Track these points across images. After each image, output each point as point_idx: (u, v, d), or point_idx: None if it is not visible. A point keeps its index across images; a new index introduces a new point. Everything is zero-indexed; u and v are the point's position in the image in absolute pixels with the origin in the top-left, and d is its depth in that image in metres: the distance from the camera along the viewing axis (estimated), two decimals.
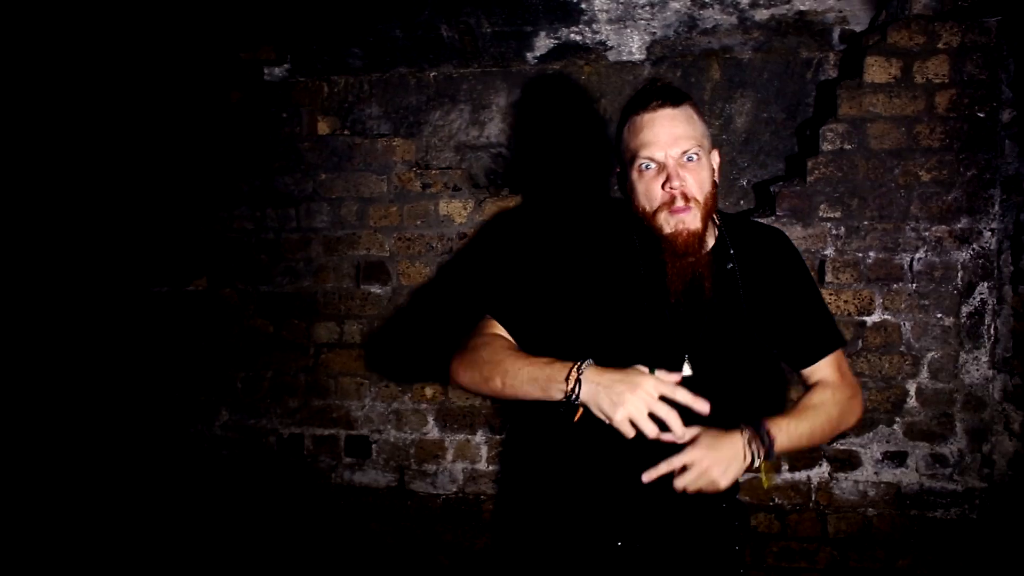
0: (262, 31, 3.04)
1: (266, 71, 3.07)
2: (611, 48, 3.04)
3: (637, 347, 1.59)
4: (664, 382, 1.42)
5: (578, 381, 1.44)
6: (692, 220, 1.54)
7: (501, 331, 1.67)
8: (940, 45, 2.64)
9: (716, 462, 1.48)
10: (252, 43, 3.05)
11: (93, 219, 3.15)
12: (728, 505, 1.75)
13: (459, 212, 2.91)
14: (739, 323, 1.64)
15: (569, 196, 3.03)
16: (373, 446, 3.00)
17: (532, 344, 1.64)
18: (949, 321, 2.67)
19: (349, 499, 3.01)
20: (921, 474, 2.70)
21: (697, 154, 1.56)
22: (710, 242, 1.67)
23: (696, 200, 1.55)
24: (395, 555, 2.98)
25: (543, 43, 3.04)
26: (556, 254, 1.69)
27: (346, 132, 3.05)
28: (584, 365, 1.46)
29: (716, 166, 1.65)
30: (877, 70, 2.66)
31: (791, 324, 1.72)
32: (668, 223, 1.55)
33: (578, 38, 3.00)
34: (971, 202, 2.65)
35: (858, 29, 2.85)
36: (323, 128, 3.02)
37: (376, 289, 2.97)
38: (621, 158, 1.64)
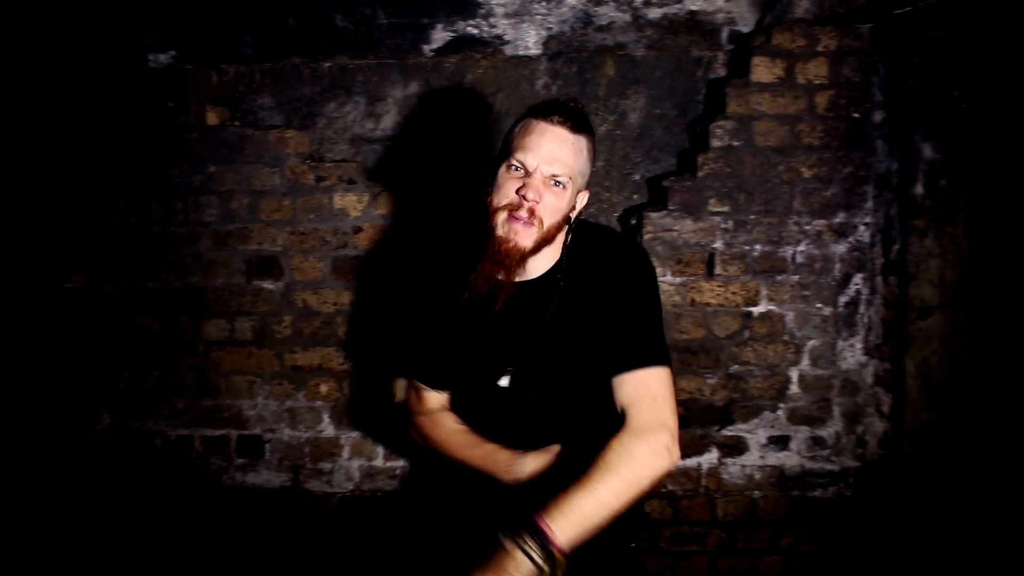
0: (147, 16, 2.91)
1: (151, 58, 2.94)
2: (508, 42, 3.05)
3: (466, 359, 1.67)
4: None
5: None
6: (525, 237, 1.53)
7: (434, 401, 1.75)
8: (820, 48, 2.77)
9: None
10: (136, 28, 2.91)
11: None
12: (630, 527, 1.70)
13: (354, 206, 2.87)
14: (557, 340, 1.60)
15: (462, 197, 3.03)
16: (266, 446, 2.92)
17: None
18: (828, 311, 2.82)
19: (242, 501, 2.92)
20: (802, 456, 2.84)
21: (565, 184, 1.54)
22: (542, 266, 1.64)
23: (540, 221, 1.53)
24: (291, 556, 2.92)
25: (440, 36, 3.02)
26: (425, 297, 1.75)
27: (236, 123, 2.95)
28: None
29: (580, 205, 1.64)
30: (763, 70, 2.76)
31: (609, 338, 1.58)
32: (502, 226, 1.54)
33: (475, 31, 3.00)
34: (848, 198, 2.80)
35: (745, 30, 2.96)
36: (212, 118, 2.91)
37: (268, 285, 2.89)
38: (503, 148, 1.62)
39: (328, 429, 2.91)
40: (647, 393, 1.53)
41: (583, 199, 1.64)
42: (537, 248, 1.55)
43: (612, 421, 1.54)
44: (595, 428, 1.57)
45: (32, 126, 2.93)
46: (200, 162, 2.88)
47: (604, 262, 1.62)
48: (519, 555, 1.35)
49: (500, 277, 1.56)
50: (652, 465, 1.49)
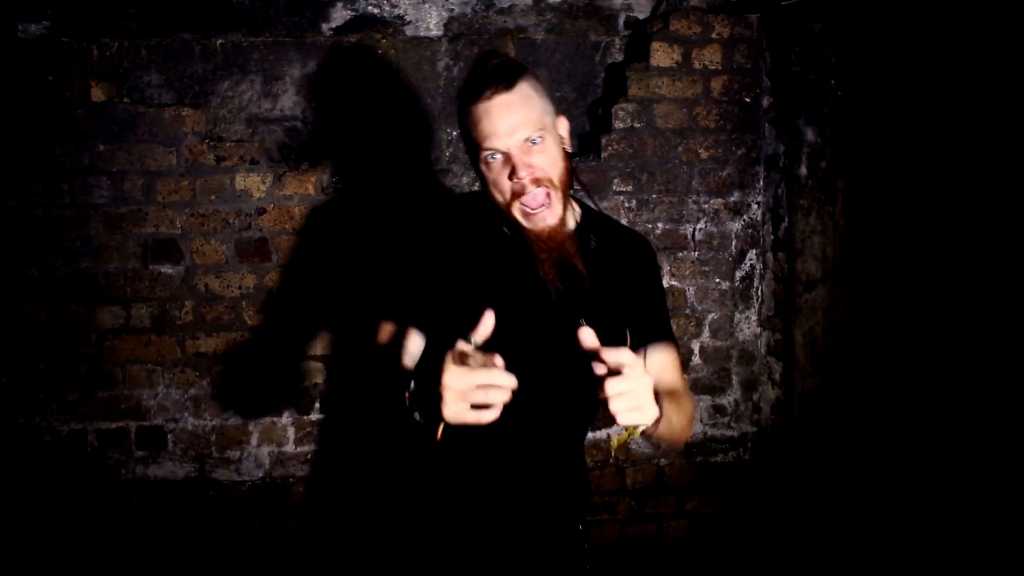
0: None
1: (20, 27, 2.74)
2: (409, 23, 3.03)
3: (531, 336, 1.53)
4: (463, 368, 1.21)
5: (412, 397, 1.31)
6: (550, 214, 1.49)
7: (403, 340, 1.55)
8: (714, 35, 2.90)
9: (646, 391, 1.28)
10: None
11: None
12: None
13: (257, 187, 2.78)
14: (609, 300, 1.60)
15: (373, 177, 2.99)
16: (169, 436, 2.79)
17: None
18: (726, 285, 2.97)
19: (143, 495, 2.78)
20: (705, 424, 2.99)
21: (540, 136, 1.46)
22: (571, 222, 1.59)
23: (550, 181, 1.47)
24: (199, 548, 2.81)
25: (340, 14, 2.97)
26: (435, 257, 1.60)
27: (126, 100, 2.80)
28: (412, 385, 1.33)
29: (566, 133, 1.57)
30: (662, 55, 2.87)
31: (641, 309, 1.64)
32: (526, 219, 1.49)
33: (375, 11, 2.96)
34: (741, 178, 2.95)
35: (641, 17, 3.06)
36: (98, 95, 2.74)
37: (167, 269, 2.76)
38: (470, 150, 1.54)
39: (235, 416, 2.81)
40: (678, 365, 1.66)
41: (563, 126, 1.58)
42: (564, 206, 1.51)
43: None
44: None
45: None
46: (88, 140, 2.71)
47: (628, 238, 1.67)
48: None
49: (557, 246, 1.50)
50: (691, 427, 1.63)
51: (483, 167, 1.50)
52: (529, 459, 1.57)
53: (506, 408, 1.22)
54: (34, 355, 2.73)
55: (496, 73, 1.46)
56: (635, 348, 1.58)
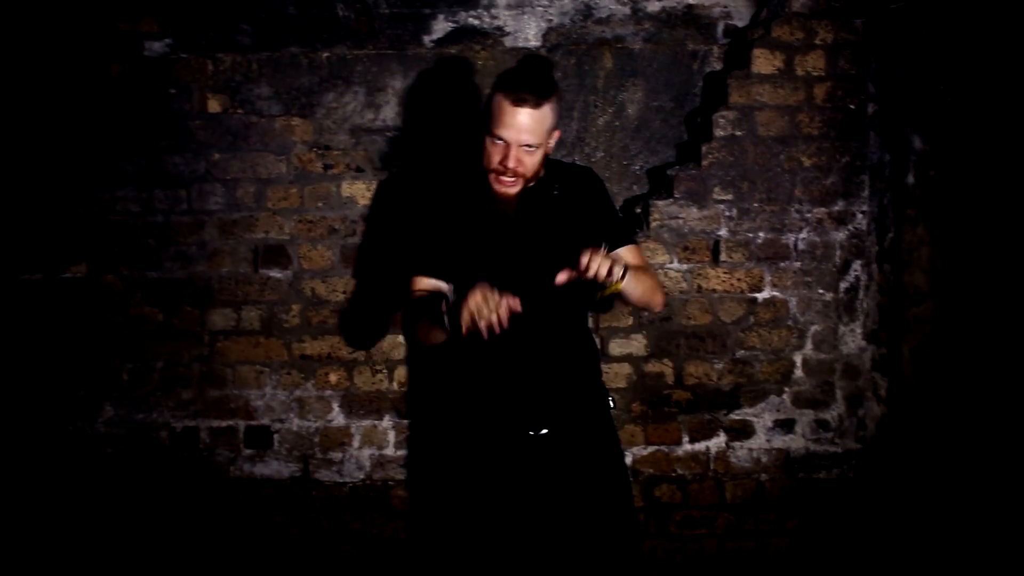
0: (144, 2, 2.86)
1: (146, 45, 2.89)
2: (508, 34, 3.08)
3: (485, 262, 2.04)
4: (486, 293, 1.78)
5: (447, 312, 1.87)
6: (513, 189, 2.01)
7: (425, 284, 2.09)
8: (817, 41, 2.85)
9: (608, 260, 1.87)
10: (133, 14, 2.86)
11: None
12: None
13: (362, 193, 2.86)
14: (558, 230, 2.09)
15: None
16: (275, 436, 2.89)
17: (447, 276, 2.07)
18: (829, 296, 2.90)
19: (250, 492, 2.88)
20: (807, 439, 2.91)
21: (537, 145, 1.96)
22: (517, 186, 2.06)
23: (524, 176, 1.99)
24: (301, 547, 2.89)
25: (441, 26, 3.04)
26: (436, 209, 2.15)
27: (239, 111, 2.92)
28: (449, 299, 1.90)
29: (553, 143, 2.05)
30: (763, 62, 2.83)
31: (599, 226, 2.12)
32: (495, 185, 2.01)
33: (476, 22, 3.02)
34: (846, 186, 2.88)
35: (740, 24, 3.03)
36: (214, 106, 2.87)
37: (276, 273, 2.87)
38: (485, 117, 2.01)
39: (338, 418, 2.89)
40: (642, 259, 2.22)
41: (555, 138, 2.05)
42: (523, 187, 2.01)
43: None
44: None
45: (28, 113, 2.86)
46: (204, 149, 2.84)
47: (581, 178, 2.20)
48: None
49: (502, 208, 2.05)
50: (661, 296, 2.18)
51: (488, 140, 1.98)
52: (530, 341, 2.05)
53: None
54: (152, 354, 2.87)
55: (534, 86, 1.93)
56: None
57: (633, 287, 2.00)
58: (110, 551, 2.88)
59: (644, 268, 2.18)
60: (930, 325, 2.97)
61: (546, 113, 1.95)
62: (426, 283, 2.09)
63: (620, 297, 2.03)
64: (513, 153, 1.94)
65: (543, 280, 1.99)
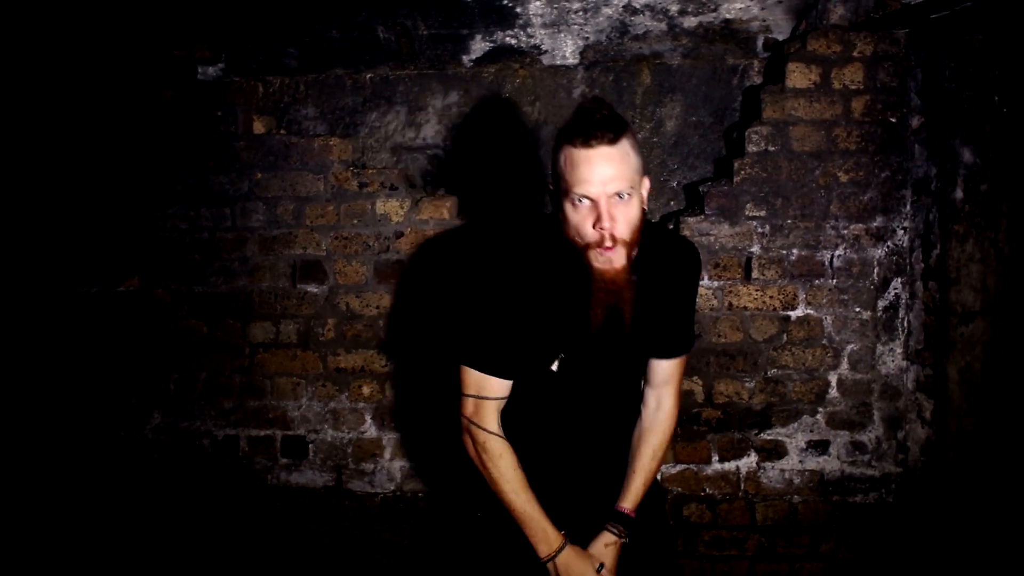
0: (197, 29, 3.01)
1: (200, 70, 3.04)
2: (545, 52, 3.11)
3: (577, 364, 1.81)
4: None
5: (551, 560, 1.78)
6: (618, 258, 1.65)
7: (493, 388, 1.82)
8: (855, 54, 2.78)
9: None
10: (187, 41, 3.01)
11: (15, 218, 3.06)
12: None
13: (396, 211, 2.93)
14: (643, 332, 1.83)
15: (503, 205, 3.08)
16: (310, 446, 2.98)
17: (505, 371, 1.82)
18: (867, 315, 2.81)
19: (286, 500, 2.99)
20: (842, 461, 2.83)
21: (629, 193, 1.62)
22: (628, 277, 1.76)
23: (624, 240, 1.63)
24: (333, 555, 2.97)
25: (479, 46, 3.09)
26: (505, 296, 1.78)
27: (282, 132, 3.04)
28: (560, 554, 1.79)
29: (646, 193, 1.73)
30: (798, 76, 2.78)
31: (668, 326, 1.90)
32: (597, 259, 1.65)
33: (513, 42, 3.06)
34: (885, 202, 2.80)
35: (780, 38, 2.98)
36: (258, 128, 3.00)
37: (313, 288, 2.96)
38: (556, 183, 1.70)
39: (370, 430, 2.96)
40: (678, 376, 1.97)
41: (646, 185, 1.73)
42: (629, 258, 1.68)
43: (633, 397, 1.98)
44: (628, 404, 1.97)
45: (87, 135, 3.04)
46: (247, 169, 2.97)
47: (671, 260, 1.87)
48: (607, 549, 1.85)
49: (615, 293, 1.69)
50: (670, 434, 1.98)
51: (568, 207, 1.65)
52: (603, 432, 1.92)
53: (560, 401, 1.82)
54: (197, 365, 3.01)
55: (604, 124, 1.60)
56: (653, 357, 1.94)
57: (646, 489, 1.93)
58: (154, 552, 3.02)
59: (673, 397, 1.97)
60: (980, 345, 2.86)
61: (626, 150, 1.62)
62: (495, 386, 1.81)
63: None
64: (604, 210, 1.59)
65: (631, 372, 1.90)
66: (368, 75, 3.21)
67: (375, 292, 2.95)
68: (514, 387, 1.84)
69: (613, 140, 1.59)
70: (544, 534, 1.78)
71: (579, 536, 1.86)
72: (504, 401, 1.84)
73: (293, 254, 2.96)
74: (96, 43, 3.05)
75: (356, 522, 2.97)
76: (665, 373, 1.95)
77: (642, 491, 1.91)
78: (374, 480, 2.97)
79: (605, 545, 1.85)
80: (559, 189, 1.68)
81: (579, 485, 1.91)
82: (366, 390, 2.96)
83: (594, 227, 1.61)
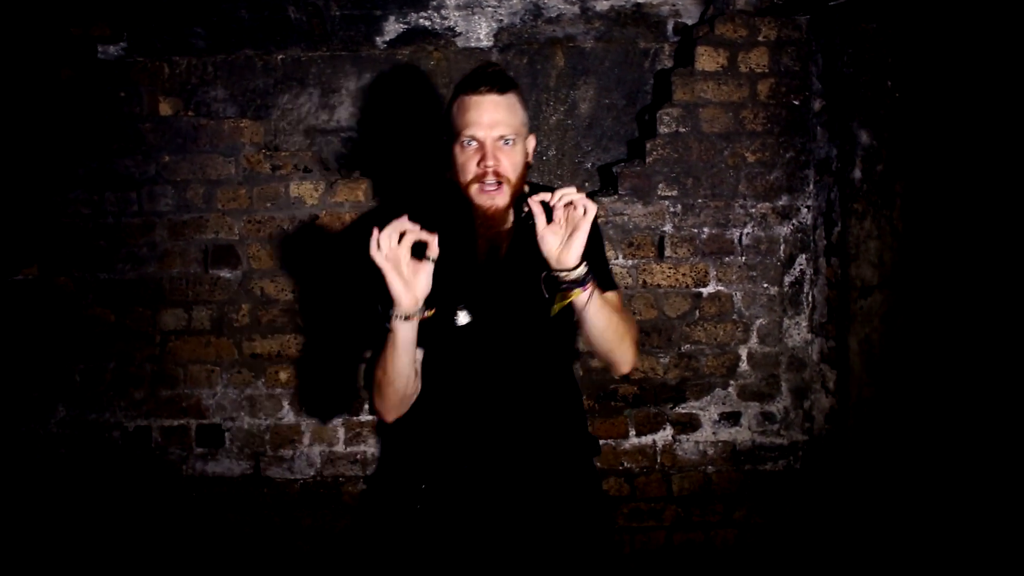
0: (96, 6, 2.89)
1: (100, 49, 2.93)
2: (460, 34, 3.11)
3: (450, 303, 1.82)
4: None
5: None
6: (501, 198, 1.77)
7: None
8: (760, 38, 2.88)
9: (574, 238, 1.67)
10: (85, 18, 2.88)
11: None
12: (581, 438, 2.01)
13: (310, 194, 2.89)
14: (527, 279, 1.82)
15: (418, 185, 3.07)
16: (226, 434, 2.92)
17: None
18: (774, 290, 2.93)
19: (202, 490, 2.92)
20: (753, 431, 2.95)
21: (513, 139, 1.76)
22: (510, 216, 1.85)
23: (507, 179, 1.76)
24: (253, 544, 2.92)
25: (393, 28, 3.06)
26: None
27: (190, 114, 2.95)
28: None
29: (531, 150, 1.85)
30: (707, 59, 2.87)
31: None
32: (479, 196, 1.76)
33: (427, 23, 3.05)
34: (790, 181, 2.91)
35: (689, 22, 3.06)
36: (165, 109, 2.90)
37: (226, 273, 2.90)
38: (448, 131, 1.82)
39: (288, 416, 2.92)
40: (619, 304, 1.94)
41: (532, 143, 1.87)
42: (511, 200, 1.78)
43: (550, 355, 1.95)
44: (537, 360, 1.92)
45: None
46: (154, 152, 2.87)
47: None
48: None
49: (494, 231, 1.79)
50: (632, 345, 1.87)
51: (457, 149, 1.77)
52: (502, 393, 1.86)
53: (467, 358, 1.81)
54: (104, 354, 2.90)
55: (494, 77, 1.76)
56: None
57: (596, 314, 1.74)
58: (63, 550, 2.91)
59: (620, 314, 1.90)
60: (878, 318, 3.01)
61: (513, 102, 1.76)
62: None
63: (580, 324, 1.79)
64: (490, 150, 1.72)
65: (529, 322, 1.84)
66: (279, 56, 3.14)
67: (290, 277, 2.90)
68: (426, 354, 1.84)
69: (501, 91, 1.74)
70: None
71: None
72: None
73: (205, 239, 2.89)
74: None
75: (276, 509, 2.92)
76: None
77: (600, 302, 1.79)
78: (293, 466, 2.93)
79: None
80: (450, 136, 1.80)
81: (487, 455, 1.87)
82: (283, 375, 2.92)
83: (478, 164, 1.73)
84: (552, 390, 1.94)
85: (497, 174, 1.73)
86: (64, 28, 2.89)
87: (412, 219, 1.66)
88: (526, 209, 1.69)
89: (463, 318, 1.82)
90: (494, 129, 1.73)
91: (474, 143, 1.74)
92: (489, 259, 1.82)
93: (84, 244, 2.88)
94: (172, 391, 2.91)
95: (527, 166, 1.82)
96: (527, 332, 1.88)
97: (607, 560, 1.97)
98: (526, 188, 1.86)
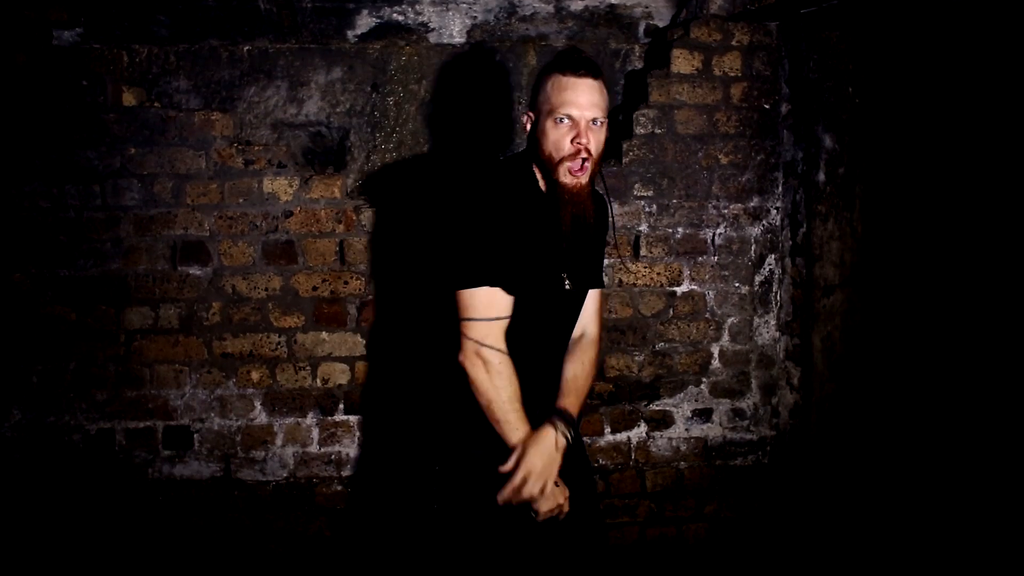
0: None
1: (55, 34, 2.80)
2: (433, 30, 3.08)
3: (543, 276, 1.95)
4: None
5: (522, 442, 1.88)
6: (585, 176, 1.89)
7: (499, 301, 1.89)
8: (734, 43, 2.94)
9: (539, 475, 1.87)
10: (40, 1, 2.76)
11: None
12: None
13: (284, 190, 2.83)
14: (594, 252, 2.10)
15: (401, 183, 3.04)
16: (195, 436, 2.83)
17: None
18: (745, 289, 3.00)
19: (170, 494, 2.82)
20: (724, 427, 3.01)
21: (602, 122, 1.88)
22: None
23: (592, 158, 1.87)
24: (223, 548, 2.84)
25: (365, 21, 3.02)
26: (497, 216, 1.88)
27: (156, 104, 2.85)
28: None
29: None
30: (682, 62, 2.91)
31: (596, 259, 2.14)
32: (566, 175, 1.87)
33: (400, 18, 3.01)
34: (761, 183, 2.99)
35: (661, 25, 3.10)
36: (129, 99, 2.79)
37: (195, 271, 2.81)
38: (537, 108, 1.92)
39: (260, 417, 2.85)
40: (599, 308, 2.16)
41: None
42: (592, 178, 1.92)
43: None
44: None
45: None
46: (119, 144, 2.76)
47: (599, 201, 2.10)
48: (558, 436, 1.90)
49: (580, 205, 1.90)
50: (593, 374, 2.13)
51: (549, 125, 1.86)
52: (544, 360, 2.02)
53: (557, 319, 2.00)
54: (64, 355, 2.78)
55: (590, 63, 1.88)
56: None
57: (581, 399, 2.06)
58: (23, 557, 2.78)
59: (596, 328, 2.14)
60: (840, 316, 3.11)
61: (603, 88, 1.88)
62: (504, 304, 1.89)
63: None
64: (583, 129, 1.83)
65: (590, 285, 2.08)
66: (246, 47, 3.06)
67: (263, 274, 2.83)
68: (524, 311, 1.93)
69: (595, 76, 1.86)
70: (516, 427, 1.88)
71: None
72: (506, 320, 1.90)
73: (173, 235, 2.79)
74: None
75: (247, 512, 2.85)
76: (592, 304, 2.12)
77: (577, 400, 2.03)
78: (265, 468, 2.87)
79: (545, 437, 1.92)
80: (540, 113, 1.90)
81: (539, 405, 1.98)
82: (255, 375, 2.84)
83: (571, 142, 1.83)
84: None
85: (588, 151, 1.84)
86: (18, 11, 2.75)
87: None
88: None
89: (567, 283, 1.98)
90: (589, 110, 1.83)
91: (567, 121, 1.84)
92: (575, 228, 1.93)
93: (42, 239, 2.75)
94: (137, 392, 2.80)
95: (605, 145, 1.94)
96: (585, 294, 2.09)
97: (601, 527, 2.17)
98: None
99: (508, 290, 1.88)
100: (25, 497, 2.78)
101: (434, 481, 2.01)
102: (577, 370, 2.06)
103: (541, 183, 1.97)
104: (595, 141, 1.86)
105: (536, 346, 1.99)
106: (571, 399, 2.02)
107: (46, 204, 2.74)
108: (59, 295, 2.76)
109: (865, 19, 3.03)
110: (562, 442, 1.91)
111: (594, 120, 1.86)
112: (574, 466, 2.02)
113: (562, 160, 1.86)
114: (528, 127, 1.97)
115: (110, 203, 2.76)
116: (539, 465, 1.85)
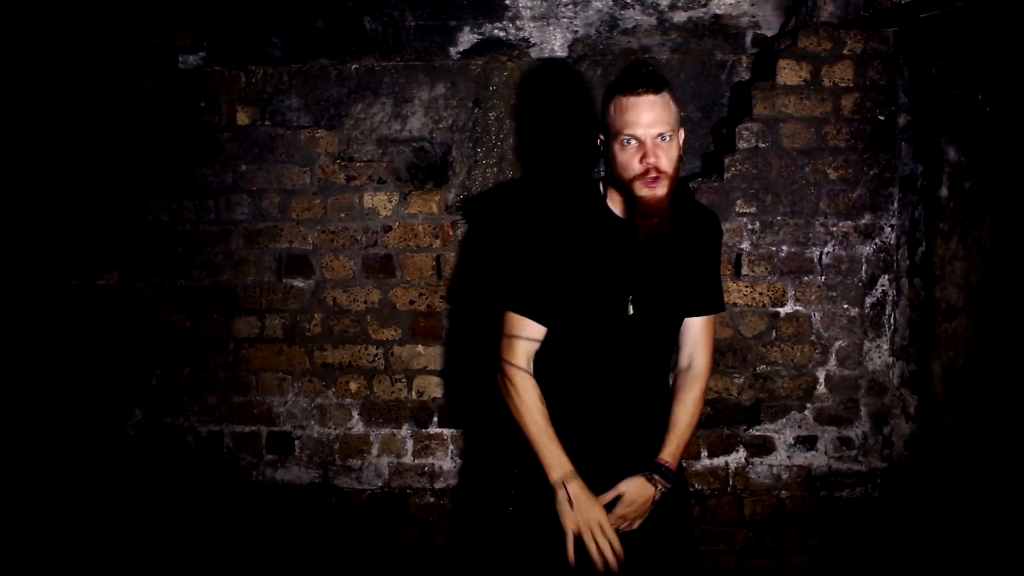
0: (178, 16, 2.95)
1: (181, 59, 2.98)
2: (534, 45, 3.08)
3: (598, 303, 1.95)
4: (603, 525, 1.87)
5: (562, 485, 1.88)
6: (661, 188, 1.85)
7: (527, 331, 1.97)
8: (845, 51, 2.79)
9: (638, 515, 1.95)
10: (167, 29, 2.94)
11: None
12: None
13: (384, 205, 2.90)
14: (673, 273, 2.01)
15: (498, 199, 3.06)
16: (296, 442, 2.94)
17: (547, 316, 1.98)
18: (855, 312, 2.84)
19: (271, 497, 2.95)
20: (829, 456, 2.86)
21: (670, 136, 1.85)
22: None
23: (665, 173, 1.84)
24: (319, 553, 2.94)
25: (467, 38, 3.06)
26: (540, 246, 1.96)
27: (267, 123, 2.99)
28: (572, 480, 1.89)
29: (681, 142, 1.94)
30: (789, 73, 2.79)
31: (697, 280, 2.06)
32: (641, 189, 1.85)
33: (502, 34, 3.03)
34: (873, 199, 2.82)
35: (769, 34, 2.98)
36: (242, 118, 2.94)
37: (299, 283, 2.92)
38: (606, 131, 1.92)
39: (357, 426, 2.93)
40: (708, 335, 2.10)
41: (682, 135, 1.95)
42: (669, 191, 1.88)
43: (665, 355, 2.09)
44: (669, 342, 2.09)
45: (66, 125, 2.96)
46: (232, 161, 2.91)
47: (696, 217, 2.07)
48: (656, 492, 1.94)
49: (655, 220, 1.89)
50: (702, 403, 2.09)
51: (616, 147, 1.86)
52: (641, 378, 2.02)
53: (624, 344, 1.96)
54: (179, 360, 2.95)
55: (649, 77, 1.84)
56: (686, 315, 2.07)
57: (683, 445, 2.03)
58: (137, 550, 2.97)
59: (705, 361, 2.10)
60: (963, 342, 2.89)
61: (667, 100, 1.85)
62: (527, 328, 1.96)
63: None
64: (650, 148, 1.82)
65: (680, 308, 2.03)
66: (353, 66, 3.16)
67: (363, 287, 2.91)
68: (579, 338, 1.97)
69: (656, 91, 1.82)
70: (558, 460, 1.90)
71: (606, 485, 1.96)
72: (536, 344, 1.98)
73: (279, 248, 2.91)
74: (75, 32, 2.96)
75: (343, 519, 2.94)
76: (696, 331, 2.08)
77: (678, 449, 2.00)
78: (361, 476, 2.94)
79: (642, 491, 1.94)
80: (608, 136, 1.90)
81: (614, 440, 2.00)
82: (353, 386, 2.93)
83: (640, 162, 1.82)
84: (664, 379, 2.10)
85: (658, 169, 1.82)
86: (147, 38, 2.94)
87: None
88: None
89: (631, 308, 1.95)
90: (653, 128, 1.82)
91: (634, 142, 1.84)
92: (649, 246, 1.94)
93: (163, 251, 2.93)
94: (244, 398, 2.94)
95: (680, 158, 1.92)
96: (676, 319, 2.05)
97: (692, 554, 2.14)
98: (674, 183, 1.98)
99: (540, 320, 1.96)
100: (144, 493, 2.96)
101: (511, 484, 2.04)
102: (679, 414, 2.04)
103: (613, 205, 1.98)
104: (665, 156, 1.85)
105: (600, 375, 1.98)
106: (671, 448, 2.00)
107: (166, 218, 2.92)
108: (176, 303, 2.94)
109: (998, 20, 2.82)
110: (658, 496, 1.94)
111: (660, 136, 1.84)
112: (670, 493, 2.01)
113: (634, 179, 1.86)
114: (602, 149, 1.97)
115: (223, 217, 2.91)
116: (631, 515, 1.93)
